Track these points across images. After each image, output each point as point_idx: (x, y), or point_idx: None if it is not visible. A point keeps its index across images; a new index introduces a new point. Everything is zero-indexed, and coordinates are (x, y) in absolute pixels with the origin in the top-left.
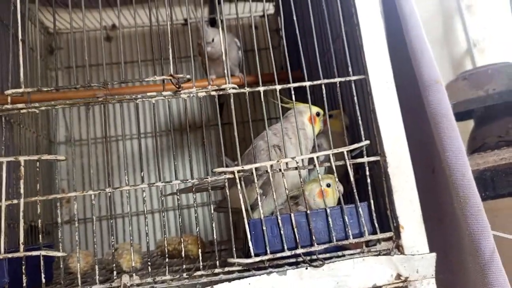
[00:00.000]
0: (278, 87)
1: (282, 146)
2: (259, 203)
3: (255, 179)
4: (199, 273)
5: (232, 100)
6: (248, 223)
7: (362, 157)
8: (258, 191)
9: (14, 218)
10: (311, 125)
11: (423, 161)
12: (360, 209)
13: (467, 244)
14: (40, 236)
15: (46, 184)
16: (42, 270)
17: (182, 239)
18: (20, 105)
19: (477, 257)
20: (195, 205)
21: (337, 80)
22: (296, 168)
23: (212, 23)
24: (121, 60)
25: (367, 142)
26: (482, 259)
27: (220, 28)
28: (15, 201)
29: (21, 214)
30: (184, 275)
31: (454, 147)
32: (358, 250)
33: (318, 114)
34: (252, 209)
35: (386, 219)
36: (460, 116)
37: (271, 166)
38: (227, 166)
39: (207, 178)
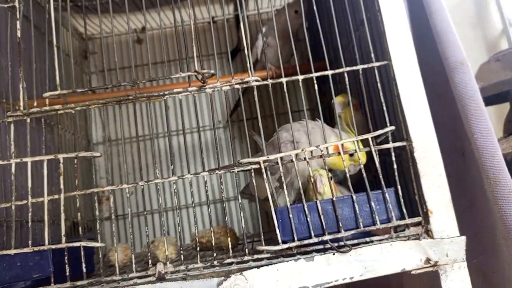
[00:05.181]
0: (300, 77)
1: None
2: (278, 192)
3: (281, 168)
4: (229, 260)
5: (255, 93)
6: (275, 211)
7: (388, 143)
8: (271, 185)
9: (57, 215)
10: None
11: (452, 145)
12: (387, 195)
13: (500, 227)
14: (80, 229)
15: (86, 183)
16: (82, 260)
17: (212, 230)
18: (57, 107)
19: (509, 239)
20: (223, 195)
21: (359, 67)
22: (321, 157)
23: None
24: (149, 61)
25: (392, 127)
26: None
27: (242, 24)
28: (56, 196)
29: (62, 208)
30: (215, 262)
31: (482, 128)
32: (386, 236)
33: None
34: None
35: (415, 205)
36: (494, 99)
37: (296, 155)
38: (257, 151)
39: (234, 169)
